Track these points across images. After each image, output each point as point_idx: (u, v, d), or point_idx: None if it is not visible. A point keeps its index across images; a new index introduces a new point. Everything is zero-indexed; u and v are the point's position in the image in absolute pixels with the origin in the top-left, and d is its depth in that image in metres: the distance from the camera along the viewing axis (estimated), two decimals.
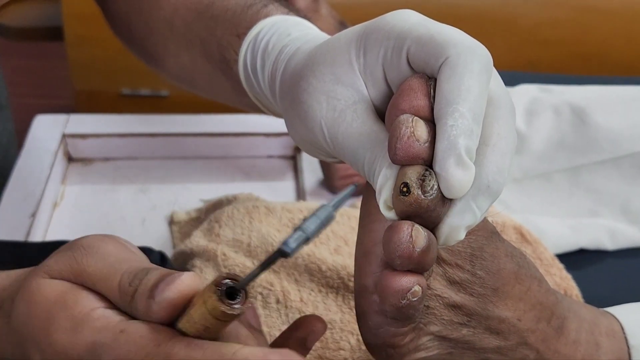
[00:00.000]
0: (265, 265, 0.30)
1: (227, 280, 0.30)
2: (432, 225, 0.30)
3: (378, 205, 0.31)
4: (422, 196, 0.29)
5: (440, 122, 0.29)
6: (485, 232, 0.36)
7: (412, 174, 0.29)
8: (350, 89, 0.33)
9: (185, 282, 0.30)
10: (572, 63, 1.36)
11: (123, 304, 0.32)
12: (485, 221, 0.37)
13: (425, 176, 0.29)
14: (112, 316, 0.32)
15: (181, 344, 0.30)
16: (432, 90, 0.30)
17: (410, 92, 0.30)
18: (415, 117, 0.29)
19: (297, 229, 0.30)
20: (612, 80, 0.84)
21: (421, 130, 0.29)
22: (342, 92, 0.33)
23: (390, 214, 0.30)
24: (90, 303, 0.32)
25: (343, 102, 0.33)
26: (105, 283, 0.32)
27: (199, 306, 0.30)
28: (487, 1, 1.32)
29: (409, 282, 0.30)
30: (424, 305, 0.35)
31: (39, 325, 0.32)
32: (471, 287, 0.36)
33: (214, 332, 0.31)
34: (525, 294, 0.37)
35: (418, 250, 0.29)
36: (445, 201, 0.30)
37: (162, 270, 0.32)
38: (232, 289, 0.30)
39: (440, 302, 0.35)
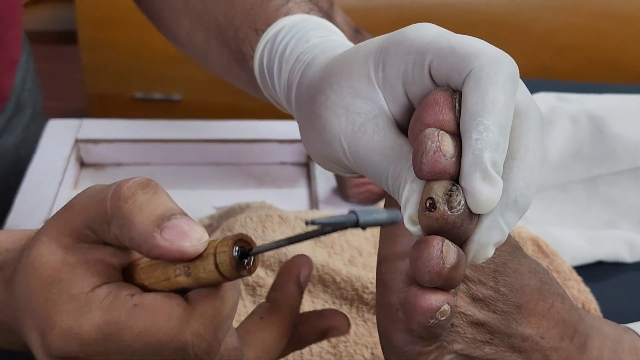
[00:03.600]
0: (304, 237, 0.28)
1: (242, 242, 0.30)
2: (459, 241, 0.29)
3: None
4: (449, 212, 0.28)
5: (466, 136, 0.29)
6: (508, 247, 0.36)
7: (439, 189, 0.28)
8: (369, 102, 0.33)
9: (202, 243, 0.30)
10: (587, 69, 1.35)
11: (110, 216, 0.30)
12: (508, 236, 0.36)
13: (452, 191, 0.28)
14: (118, 291, 0.31)
15: (197, 314, 0.30)
16: (457, 104, 0.29)
17: (435, 106, 0.29)
18: (442, 131, 0.29)
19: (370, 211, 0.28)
20: (630, 88, 0.83)
21: (447, 144, 0.28)
22: (361, 105, 0.33)
23: (415, 229, 0.30)
24: (88, 281, 0.31)
25: (363, 115, 0.33)
26: (92, 207, 0.31)
27: (207, 256, 0.29)
28: (502, 7, 1.31)
29: (438, 301, 0.29)
30: None
31: (38, 305, 0.31)
32: (494, 304, 0.35)
33: (205, 284, 0.30)
34: (548, 311, 0.36)
35: (448, 266, 0.28)
36: (472, 217, 0.29)
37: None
38: (245, 251, 0.30)
39: (464, 319, 0.34)
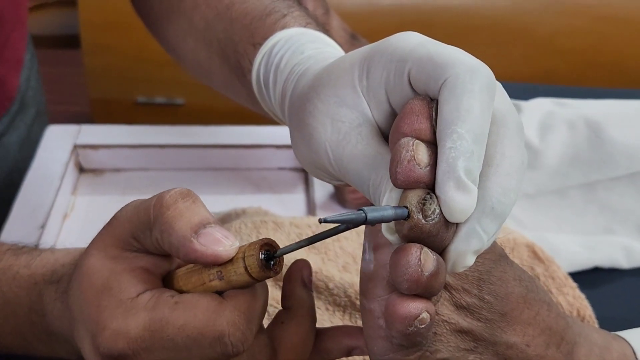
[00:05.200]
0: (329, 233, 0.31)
1: (267, 246, 0.33)
2: (438, 250, 0.29)
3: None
4: (423, 220, 0.28)
5: (440, 145, 0.29)
6: (493, 255, 0.36)
7: (413, 198, 0.28)
8: (354, 111, 0.33)
9: (234, 248, 0.33)
10: (589, 72, 1.35)
11: (152, 222, 0.34)
12: (493, 244, 0.36)
13: (426, 200, 0.28)
14: (161, 294, 0.34)
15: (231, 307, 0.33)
16: (434, 113, 0.30)
17: (411, 115, 0.30)
18: (416, 141, 0.29)
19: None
20: (629, 93, 0.83)
21: (422, 153, 0.29)
22: (346, 114, 0.33)
23: (393, 238, 0.30)
24: (133, 288, 0.34)
25: (347, 124, 0.33)
26: (136, 216, 0.34)
27: (237, 260, 0.33)
28: (504, 11, 1.31)
29: (416, 309, 0.29)
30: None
31: (91, 311, 0.34)
32: (479, 312, 0.35)
33: (236, 286, 0.34)
34: (534, 319, 0.36)
35: (427, 274, 0.28)
36: (449, 225, 0.29)
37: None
38: (270, 254, 0.33)
39: (447, 327, 0.34)
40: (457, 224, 0.29)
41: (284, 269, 0.53)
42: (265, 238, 0.33)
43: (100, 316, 0.34)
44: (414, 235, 0.28)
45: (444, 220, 0.28)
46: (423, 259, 0.28)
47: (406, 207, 0.28)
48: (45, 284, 0.39)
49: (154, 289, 0.35)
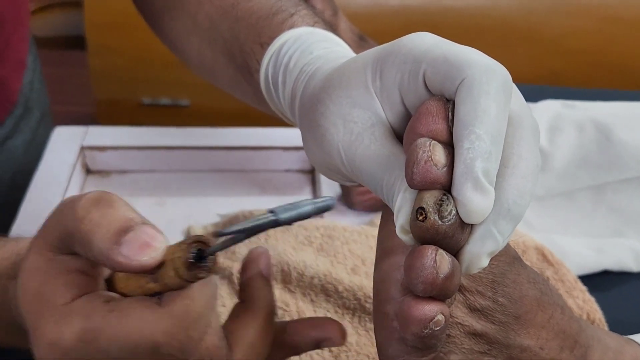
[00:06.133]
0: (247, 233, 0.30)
1: (197, 244, 0.30)
2: (452, 251, 0.29)
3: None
4: (440, 222, 0.28)
5: (458, 145, 0.28)
6: (507, 257, 0.35)
7: (429, 199, 0.28)
8: (367, 111, 0.33)
9: (159, 252, 0.30)
10: (596, 74, 1.35)
11: (72, 236, 0.31)
12: (507, 246, 0.36)
13: (443, 201, 0.28)
14: (95, 300, 0.32)
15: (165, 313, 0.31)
16: (450, 113, 0.29)
17: (428, 116, 0.29)
18: (433, 141, 0.29)
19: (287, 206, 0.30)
20: (637, 95, 0.82)
21: (439, 154, 0.28)
22: (359, 115, 0.33)
23: (407, 238, 0.30)
24: (69, 292, 0.32)
25: (360, 125, 0.33)
26: (59, 225, 0.32)
27: (168, 262, 0.30)
28: (511, 12, 1.31)
29: (432, 311, 0.29)
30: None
31: (29, 318, 0.32)
32: (492, 315, 0.34)
33: (173, 287, 0.31)
34: (547, 322, 0.36)
35: (442, 276, 0.28)
36: (464, 227, 0.29)
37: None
38: (202, 253, 0.30)
39: (461, 330, 0.34)
40: (472, 225, 0.29)
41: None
42: (195, 236, 0.30)
43: (37, 323, 0.32)
44: (429, 237, 0.28)
45: (460, 222, 0.28)
46: (438, 260, 0.28)
47: (421, 213, 0.28)
48: (7, 279, 0.37)
49: (91, 293, 0.33)
